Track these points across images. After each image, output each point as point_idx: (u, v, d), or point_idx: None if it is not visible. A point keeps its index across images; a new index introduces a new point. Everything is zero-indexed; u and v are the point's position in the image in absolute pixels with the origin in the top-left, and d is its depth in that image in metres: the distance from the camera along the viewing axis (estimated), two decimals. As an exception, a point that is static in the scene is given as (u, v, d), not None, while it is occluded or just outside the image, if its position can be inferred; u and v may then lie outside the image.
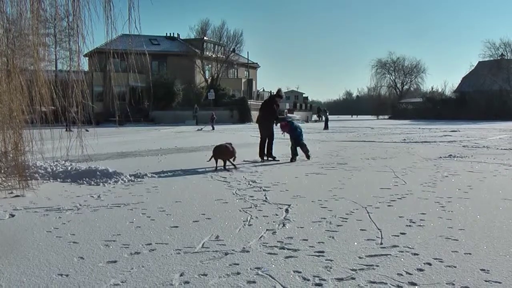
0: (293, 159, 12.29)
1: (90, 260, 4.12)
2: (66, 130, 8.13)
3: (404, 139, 21.15)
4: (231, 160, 10.61)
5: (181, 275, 3.75)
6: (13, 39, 7.82)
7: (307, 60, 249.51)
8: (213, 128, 34.43)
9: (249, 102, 55.59)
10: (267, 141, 12.53)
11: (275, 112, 12.81)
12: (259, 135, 12.82)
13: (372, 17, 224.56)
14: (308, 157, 12.46)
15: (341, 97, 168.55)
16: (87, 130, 8.39)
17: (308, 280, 3.65)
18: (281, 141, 15.00)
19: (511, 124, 41.14)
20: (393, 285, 3.53)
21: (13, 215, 5.95)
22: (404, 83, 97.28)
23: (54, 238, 4.89)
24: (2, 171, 7.81)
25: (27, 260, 4.14)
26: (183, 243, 4.64)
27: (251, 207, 6.38)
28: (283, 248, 4.48)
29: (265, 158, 12.43)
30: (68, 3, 7.47)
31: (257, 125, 13.25)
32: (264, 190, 7.78)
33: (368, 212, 5.99)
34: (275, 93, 13.41)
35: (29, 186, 7.64)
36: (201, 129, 34.54)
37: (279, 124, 12.87)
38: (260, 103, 14.55)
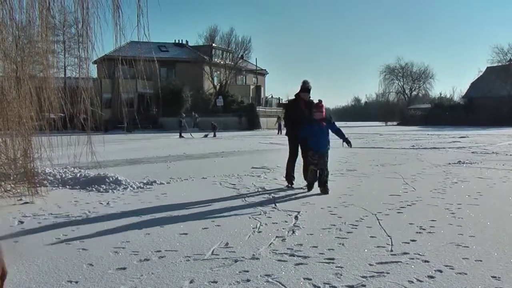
0: (310, 186, 8.41)
1: (99, 267, 4.12)
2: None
3: (413, 145, 21.05)
4: None
5: (190, 282, 3.74)
6: (23, 46, 7.87)
7: (315, 66, 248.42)
8: (206, 136, 34.48)
9: (257, 109, 55.67)
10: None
11: (299, 116, 8.57)
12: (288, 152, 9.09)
13: (379, 23, 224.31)
14: (308, 186, 8.43)
15: (349, 103, 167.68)
16: (206, 136, 8.35)
17: (319, 287, 3.63)
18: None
19: (520, 130, 40.85)
20: (404, 293, 3.50)
21: (22, 222, 5.97)
22: (413, 89, 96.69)
23: (63, 245, 4.89)
24: (12, 178, 7.84)
25: (36, 267, 4.14)
26: (192, 250, 4.63)
27: (260, 214, 6.36)
28: (293, 255, 4.46)
29: (293, 183, 8.85)
30: (77, 10, 7.51)
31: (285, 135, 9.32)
32: (273, 196, 7.76)
33: (378, 219, 5.95)
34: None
35: (38, 193, 7.65)
36: (206, 135, 34.49)
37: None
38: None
